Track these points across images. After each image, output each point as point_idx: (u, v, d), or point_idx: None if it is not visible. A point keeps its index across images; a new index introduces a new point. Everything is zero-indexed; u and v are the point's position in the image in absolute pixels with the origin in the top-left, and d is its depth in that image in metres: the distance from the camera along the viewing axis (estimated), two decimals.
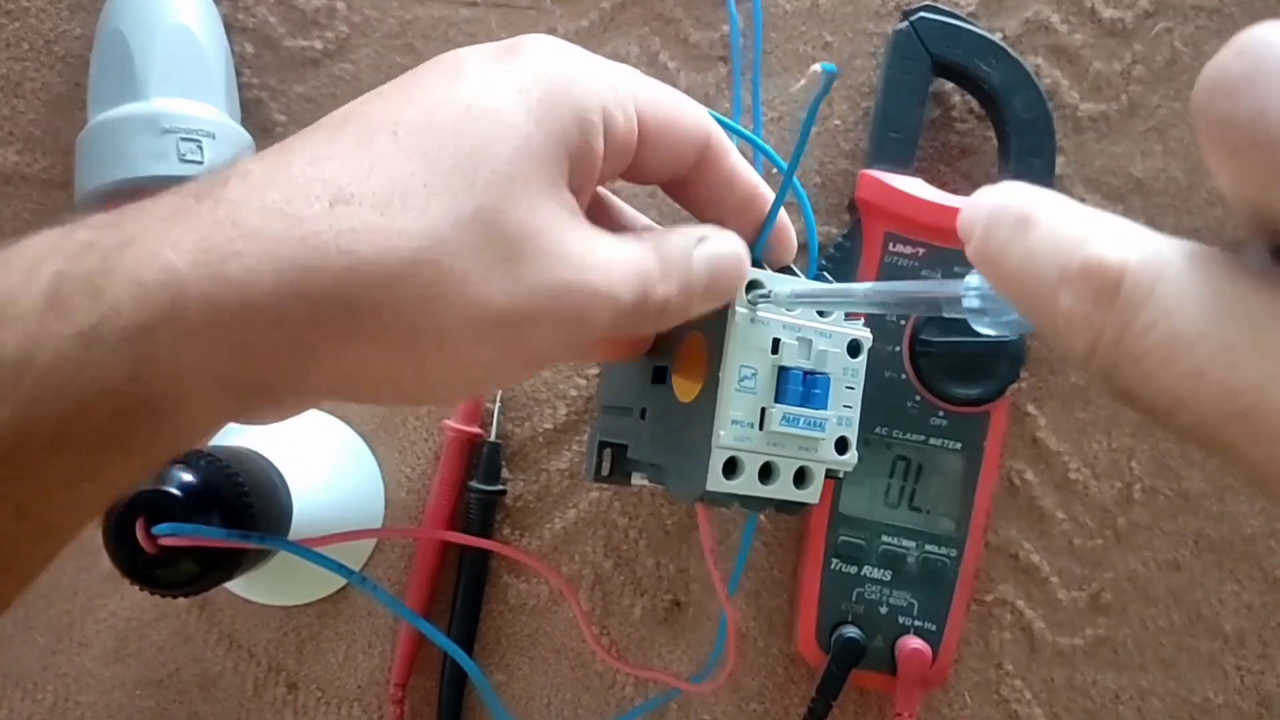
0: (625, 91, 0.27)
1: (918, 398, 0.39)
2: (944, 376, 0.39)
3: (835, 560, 0.40)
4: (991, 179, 0.42)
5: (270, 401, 0.24)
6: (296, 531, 0.36)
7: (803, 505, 0.33)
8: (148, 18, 0.39)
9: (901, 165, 0.40)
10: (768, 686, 0.43)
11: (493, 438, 0.43)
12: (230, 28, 0.43)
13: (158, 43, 0.39)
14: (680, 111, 0.29)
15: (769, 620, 0.43)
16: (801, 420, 0.32)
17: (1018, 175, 0.40)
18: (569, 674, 0.43)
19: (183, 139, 0.38)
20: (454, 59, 0.26)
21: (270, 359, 0.22)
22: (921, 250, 0.39)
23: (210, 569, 0.31)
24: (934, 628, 0.40)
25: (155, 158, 0.38)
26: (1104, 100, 0.43)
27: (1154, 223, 0.43)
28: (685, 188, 0.30)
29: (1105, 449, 0.42)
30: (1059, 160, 0.41)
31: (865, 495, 0.40)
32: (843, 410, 0.33)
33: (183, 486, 0.30)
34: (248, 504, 0.31)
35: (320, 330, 0.22)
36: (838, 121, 0.43)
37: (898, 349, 0.39)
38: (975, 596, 0.42)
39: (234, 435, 0.42)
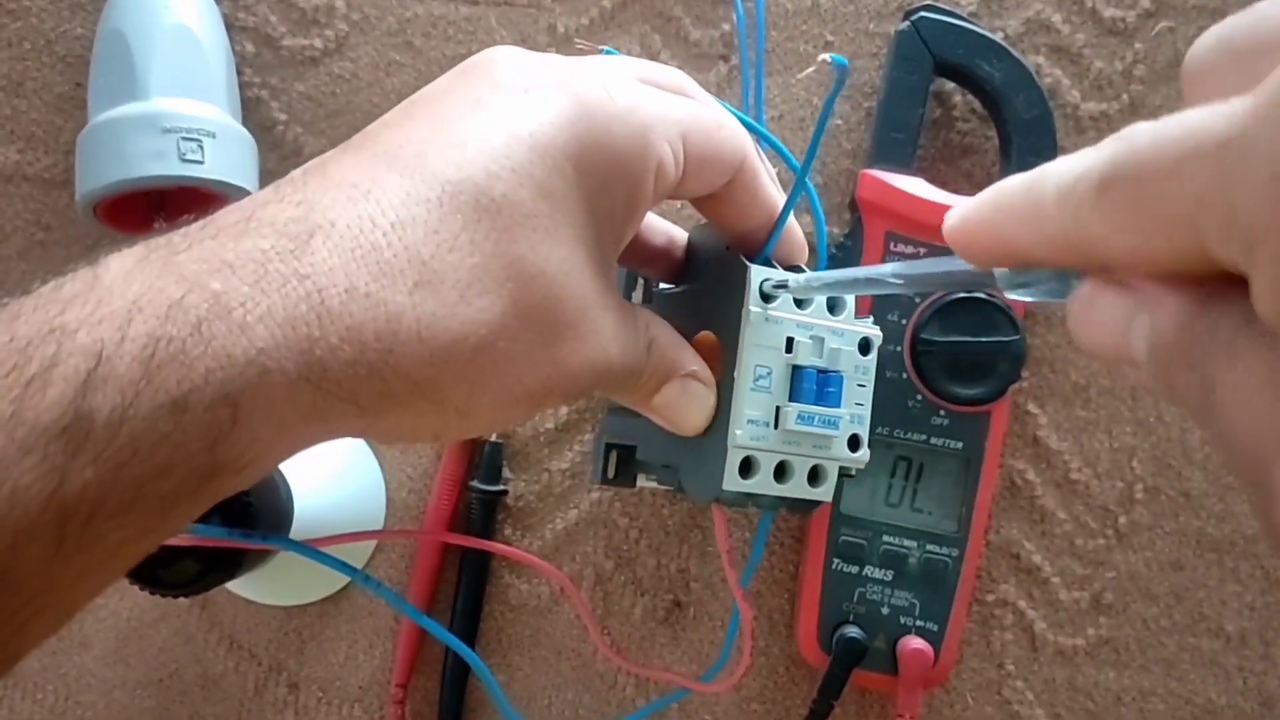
0: (674, 129, 0.27)
1: (919, 397, 0.39)
2: (945, 376, 0.39)
3: (836, 560, 0.40)
4: (992, 178, 0.42)
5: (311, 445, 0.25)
6: (297, 532, 0.36)
7: (815, 504, 0.33)
8: (148, 17, 0.39)
9: (902, 165, 0.40)
10: (769, 687, 0.43)
11: (494, 438, 0.43)
12: (230, 27, 0.43)
13: (158, 42, 0.39)
14: (721, 142, 0.29)
15: (770, 620, 0.43)
16: (816, 418, 0.32)
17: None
18: (570, 674, 0.43)
19: (183, 138, 0.38)
20: (520, 86, 0.26)
21: (336, 424, 0.23)
22: (922, 250, 0.39)
23: (211, 569, 0.31)
24: (935, 628, 0.40)
25: (155, 157, 0.38)
26: (1105, 100, 0.43)
27: None
28: (711, 201, 0.31)
29: (1106, 448, 0.42)
30: None
31: (866, 495, 0.40)
32: (855, 408, 0.33)
33: None
34: (248, 504, 0.31)
35: (386, 401, 0.23)
36: (839, 121, 0.43)
37: (898, 349, 0.39)
38: (976, 596, 0.42)
39: None
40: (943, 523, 0.40)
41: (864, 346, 0.33)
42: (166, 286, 0.21)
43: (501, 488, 0.42)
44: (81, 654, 0.43)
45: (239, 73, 0.43)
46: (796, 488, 0.32)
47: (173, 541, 0.29)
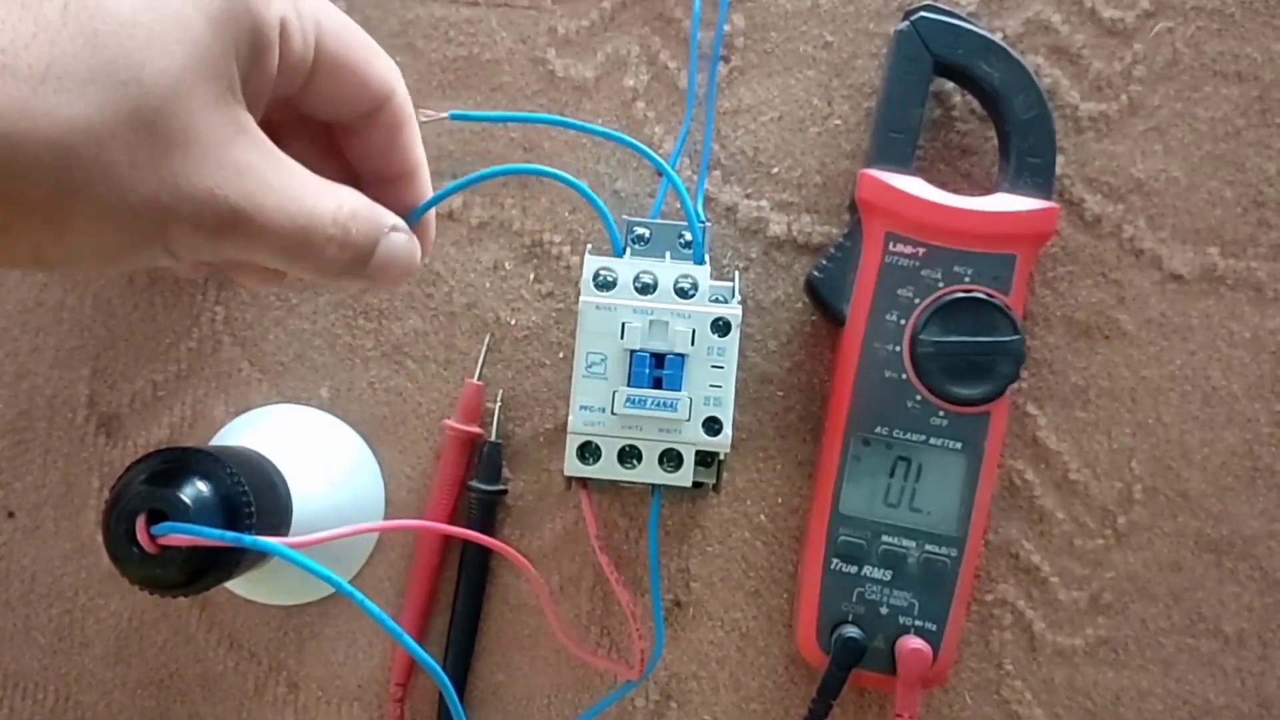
0: (308, 13, 0.27)
1: (918, 397, 0.39)
2: (944, 376, 0.39)
3: (835, 560, 0.40)
4: (991, 179, 0.42)
5: None
6: (296, 531, 0.36)
7: (698, 489, 0.33)
8: None
9: (902, 165, 0.40)
10: (768, 686, 0.43)
11: (493, 437, 0.43)
12: None
13: None
14: (362, 54, 0.29)
15: (769, 620, 0.43)
16: (649, 401, 0.32)
17: (1018, 175, 0.40)
18: (570, 674, 0.43)
19: None
20: None
21: None
22: (922, 250, 0.39)
23: (210, 569, 0.31)
24: (934, 628, 0.40)
25: None
26: (1104, 100, 0.43)
27: (1154, 222, 0.43)
28: (352, 138, 0.30)
29: (1105, 449, 0.42)
30: (1059, 160, 0.41)
31: (865, 495, 0.40)
32: (709, 390, 0.33)
33: (183, 487, 0.30)
34: (248, 504, 0.31)
35: None
36: (838, 121, 0.43)
37: (898, 349, 0.39)
38: (975, 596, 0.42)
39: (234, 435, 0.42)
40: (942, 523, 0.40)
41: (720, 327, 0.33)
42: None
43: (501, 487, 0.42)
44: (81, 654, 0.44)
45: None
46: (649, 473, 0.32)
47: (171, 541, 0.29)
